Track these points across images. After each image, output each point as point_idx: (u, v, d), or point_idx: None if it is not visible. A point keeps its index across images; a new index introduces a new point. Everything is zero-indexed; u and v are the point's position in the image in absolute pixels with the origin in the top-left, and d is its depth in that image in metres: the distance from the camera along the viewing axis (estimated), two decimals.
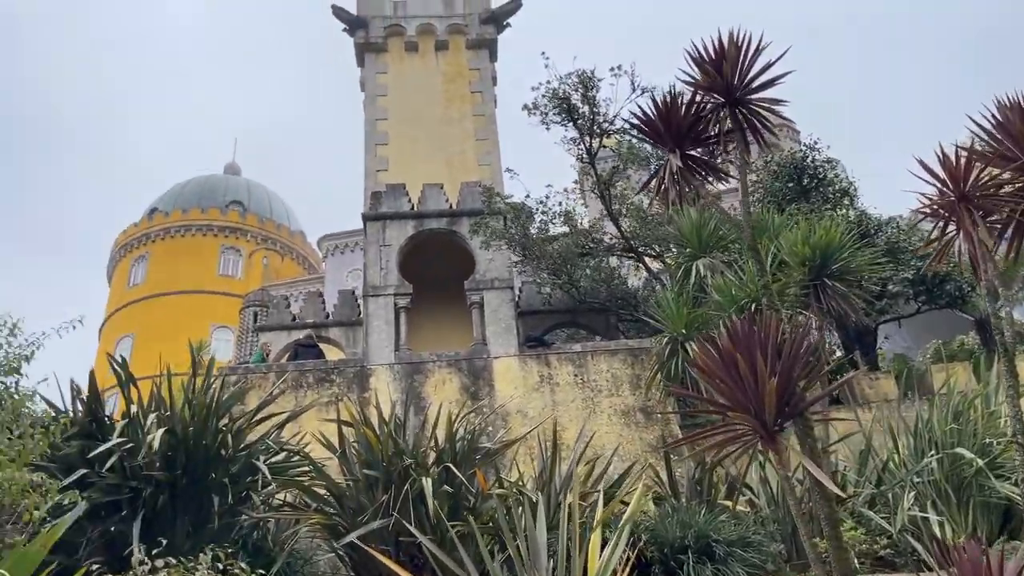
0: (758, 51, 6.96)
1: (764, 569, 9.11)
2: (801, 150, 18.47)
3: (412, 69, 23.63)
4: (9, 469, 6.20)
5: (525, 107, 16.29)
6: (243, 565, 7.23)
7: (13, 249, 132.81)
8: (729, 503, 10.54)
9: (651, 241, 16.74)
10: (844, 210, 17.25)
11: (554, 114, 16.10)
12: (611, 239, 17.39)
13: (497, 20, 24.06)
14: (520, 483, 10.28)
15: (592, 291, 17.61)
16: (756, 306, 10.82)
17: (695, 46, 7.14)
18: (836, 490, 5.12)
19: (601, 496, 7.47)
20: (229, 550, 9.56)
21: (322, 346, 18.77)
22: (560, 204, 17.10)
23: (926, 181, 6.29)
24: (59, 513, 8.48)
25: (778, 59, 7.05)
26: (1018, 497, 9.19)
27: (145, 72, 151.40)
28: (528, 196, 16.64)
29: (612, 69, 15.66)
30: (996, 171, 5.93)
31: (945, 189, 6.10)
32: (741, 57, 7.05)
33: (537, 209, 16.56)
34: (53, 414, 9.91)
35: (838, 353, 18.02)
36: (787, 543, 9.91)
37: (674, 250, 15.97)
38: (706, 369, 5.91)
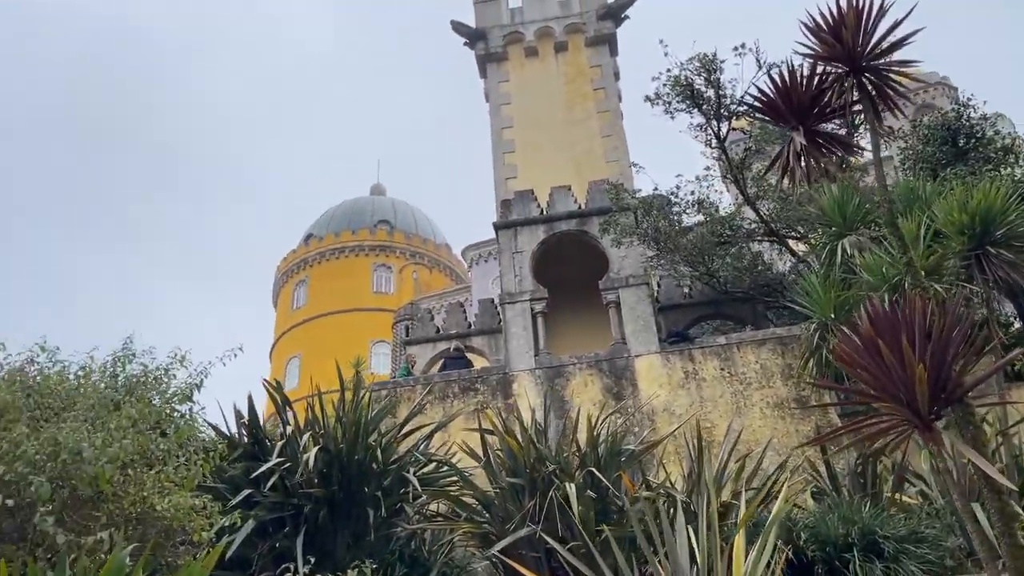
0: (881, 12, 6.46)
1: (942, 565, 8.42)
2: (953, 109, 17.02)
3: (533, 74, 23.76)
4: (177, 495, 6.64)
5: (647, 98, 15.95)
6: None
7: (185, 275, 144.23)
8: (896, 496, 9.85)
9: (793, 223, 15.93)
10: (1009, 169, 15.76)
11: (678, 102, 15.67)
12: (750, 224, 16.70)
13: (614, 14, 23.78)
14: (668, 484, 10.03)
15: (735, 280, 16.98)
16: (911, 284, 10.04)
17: (810, 15, 6.72)
18: (1004, 481, 4.63)
19: (744, 495, 7.10)
20: (387, 562, 9.95)
21: (469, 356, 19.14)
22: (692, 193, 16.61)
23: None
24: (233, 532, 9.09)
25: (905, 18, 6.52)
26: None
27: (283, 103, 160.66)
28: (656, 189, 16.29)
29: (736, 48, 15.08)
30: None
31: None
32: (862, 21, 6.56)
33: (669, 201, 16.15)
34: (218, 439, 10.62)
35: (1016, 325, 16.46)
36: (967, 537, 9.11)
37: (819, 230, 15.14)
38: (847, 358, 5.52)
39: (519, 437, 9.72)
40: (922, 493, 9.95)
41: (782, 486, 9.39)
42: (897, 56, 6.83)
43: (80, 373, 10.45)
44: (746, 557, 5.19)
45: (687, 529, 6.29)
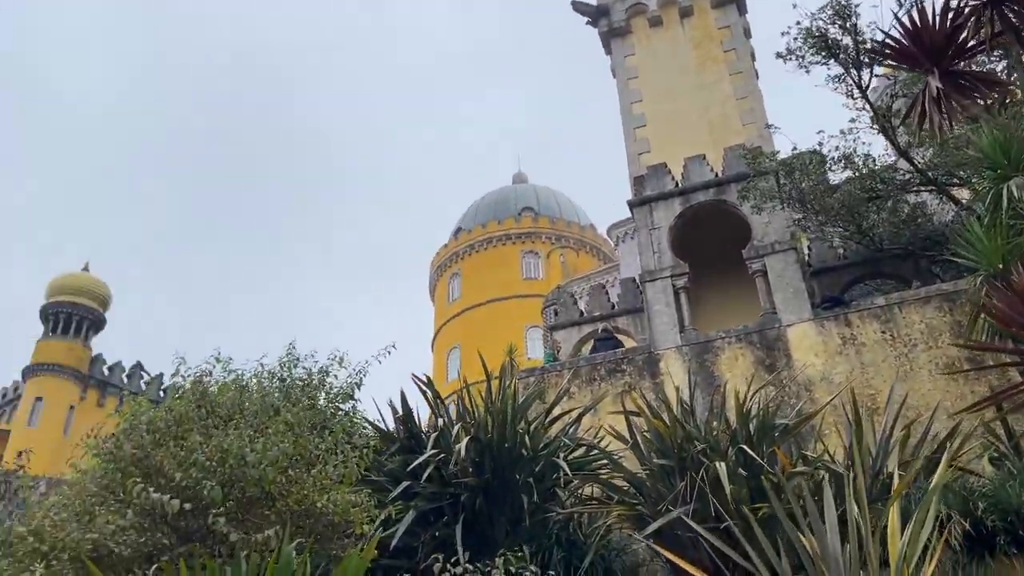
0: None
1: None
2: None
3: (660, 44, 23.18)
4: (336, 492, 7.05)
5: (778, 55, 15.17)
6: (533, 568, 7.54)
7: (340, 277, 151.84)
8: None
9: (954, 168, 14.70)
10: None
11: (811, 54, 14.81)
12: (903, 175, 15.57)
13: None
14: (827, 457, 9.61)
15: (892, 236, 15.92)
16: None
17: None
18: None
19: (914, 465, 6.67)
20: (544, 546, 10.12)
21: (617, 337, 19.06)
22: (837, 149, 15.67)
23: None
24: (396, 523, 9.55)
25: None
26: None
27: (417, 102, 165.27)
28: (795, 149, 15.47)
29: None
30: None
31: None
32: None
33: (821, 158, 15.29)
34: (375, 434, 11.17)
35: None
36: None
37: (982, 174, 13.91)
38: (1002, 316, 5.10)
39: (665, 417, 9.60)
40: None
41: (953, 454, 8.78)
42: None
43: (252, 381, 11.30)
44: (902, 532, 4.88)
45: (847, 504, 6.00)
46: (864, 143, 15.91)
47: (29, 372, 42.53)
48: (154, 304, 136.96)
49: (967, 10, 6.33)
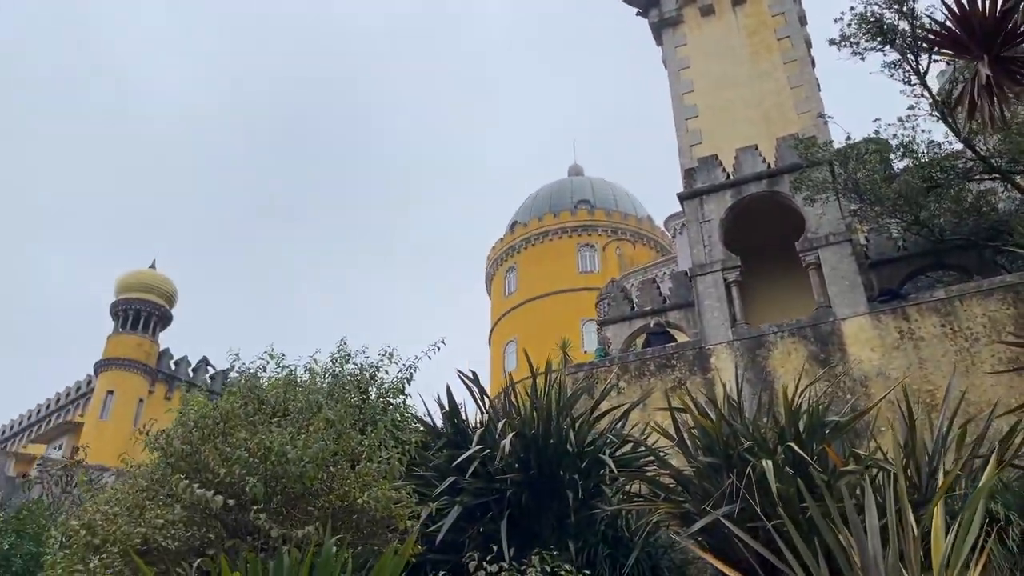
0: None
1: None
2: None
3: (711, 33, 22.81)
4: (378, 488, 7.15)
5: (831, 41, 14.77)
6: (567, 567, 7.53)
7: (405, 268, 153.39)
8: None
9: (1017, 155, 14.14)
10: None
11: (867, 40, 14.37)
12: (965, 163, 15.03)
13: None
14: (880, 454, 9.38)
15: (954, 226, 15.39)
16: None
17: None
18: None
19: (970, 463, 6.45)
20: (589, 543, 10.10)
21: (670, 331, 18.88)
22: (895, 137, 15.20)
23: None
24: (442, 518, 9.65)
25: None
26: None
27: (470, 98, 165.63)
28: (849, 137, 15.04)
29: None
30: None
31: None
32: None
33: (866, 149, 14.88)
34: (422, 429, 11.29)
35: None
36: None
37: None
38: None
39: (712, 414, 9.48)
40: None
41: (1010, 451, 8.49)
42: None
43: (304, 376, 11.52)
44: (947, 534, 4.72)
45: (886, 504, 5.85)
46: (924, 131, 15.42)
47: (101, 366, 44.18)
48: (220, 299, 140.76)
49: None
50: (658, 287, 19.51)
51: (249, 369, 11.03)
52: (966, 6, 6.19)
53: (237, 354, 11.45)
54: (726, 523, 6.86)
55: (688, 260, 36.67)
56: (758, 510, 8.03)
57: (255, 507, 5.98)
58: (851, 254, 14.84)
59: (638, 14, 24.62)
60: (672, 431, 9.76)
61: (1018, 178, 14.72)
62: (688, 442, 9.76)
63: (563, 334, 32.48)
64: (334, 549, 5.83)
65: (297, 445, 6.35)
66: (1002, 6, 6.05)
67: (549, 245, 52.21)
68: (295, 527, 6.26)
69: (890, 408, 10.96)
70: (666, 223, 44.03)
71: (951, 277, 17.06)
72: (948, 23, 6.34)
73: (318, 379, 10.96)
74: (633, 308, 18.95)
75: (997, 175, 14.51)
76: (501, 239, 55.70)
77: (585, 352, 37.82)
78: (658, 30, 23.68)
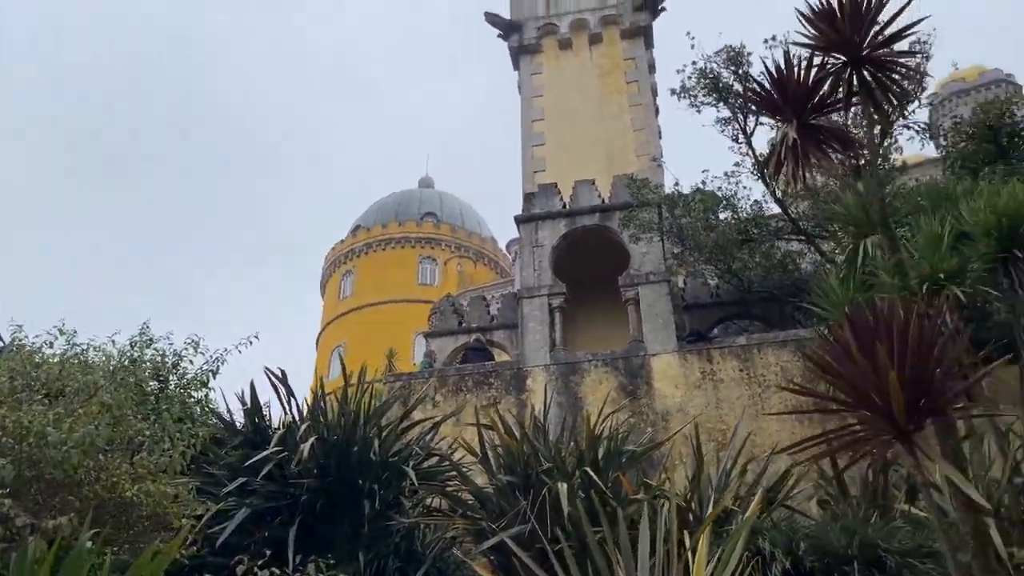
0: (878, 1, 6.12)
1: None
2: (993, 105, 16.33)
3: (567, 67, 23.46)
4: (155, 483, 6.62)
5: (673, 91, 15.62)
6: None
7: (241, 259, 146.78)
8: (909, 507, 9.45)
9: (823, 221, 15.45)
10: None
11: (704, 95, 15.30)
12: (778, 222, 16.25)
13: (650, 6, 23.35)
14: (666, 486, 9.80)
15: (763, 280, 16.55)
16: (930, 287, 9.61)
17: (809, 2, 6.41)
18: (980, 500, 4.34)
19: (703, 501, 6.83)
20: (381, 555, 9.87)
21: (493, 350, 19.03)
22: (719, 189, 16.20)
23: None
24: (227, 519, 9.11)
25: (907, 5, 6.18)
26: None
27: (337, 95, 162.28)
28: (677, 184, 15.92)
29: (766, 41, 14.67)
30: None
31: None
32: (863, 8, 6.23)
33: (694, 197, 15.77)
34: (220, 424, 10.68)
35: None
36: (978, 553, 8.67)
37: (852, 229, 14.64)
38: (821, 363, 5.27)
39: (517, 434, 9.56)
40: (939, 506, 9.52)
41: (777, 493, 9.12)
42: (910, 48, 6.47)
43: (98, 358, 10.56)
44: (707, 565, 4.97)
45: (657, 534, 6.09)
46: (746, 187, 16.54)
47: None
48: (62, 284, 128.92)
49: (829, 67, 6.56)
50: (488, 305, 19.67)
51: (33, 344, 10.03)
52: (784, 72, 6.61)
53: (20, 326, 10.38)
54: (509, 543, 6.88)
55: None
56: (548, 532, 8.14)
57: (1, 491, 5.35)
58: (668, 294, 15.59)
59: (499, 36, 24.96)
60: (472, 448, 9.77)
61: (822, 242, 16.06)
62: (492, 460, 9.78)
63: (394, 344, 32.06)
64: (89, 544, 5.32)
65: (62, 427, 5.76)
66: (815, 76, 6.52)
67: (391, 253, 51.57)
68: (53, 517, 5.66)
69: (684, 443, 11.51)
70: (508, 246, 44.74)
71: (755, 327, 18.32)
72: (767, 86, 6.76)
73: (112, 361, 10.11)
74: (461, 323, 18.97)
75: (804, 237, 15.77)
76: (342, 241, 54.45)
77: (414, 364, 37.54)
78: (517, 55, 24.08)
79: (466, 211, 58.57)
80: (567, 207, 17.13)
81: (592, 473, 8.78)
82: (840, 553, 8.27)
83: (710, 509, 7.52)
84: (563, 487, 8.39)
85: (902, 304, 5.30)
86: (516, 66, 24.34)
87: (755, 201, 16.38)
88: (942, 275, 9.60)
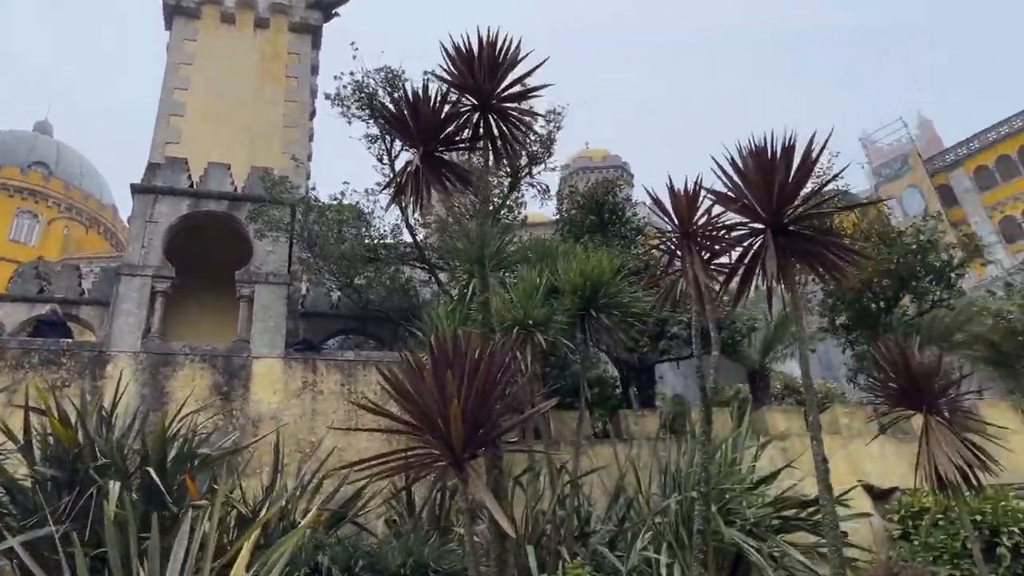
0: (512, 56, 6.55)
1: None
2: (603, 184, 18.72)
3: (226, 42, 22.01)
4: None
5: (327, 96, 15.42)
6: None
7: None
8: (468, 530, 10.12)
9: (444, 254, 16.26)
10: (638, 249, 17.53)
11: (357, 108, 15.32)
12: (407, 248, 16.74)
13: (324, 7, 22.97)
14: (238, 495, 9.38)
15: (384, 300, 16.85)
16: (519, 330, 10.52)
17: (453, 42, 6.64)
18: (508, 529, 4.68)
19: (253, 516, 6.66)
20: None
21: (74, 327, 16.82)
22: (358, 203, 16.25)
23: (659, 215, 6.09)
24: None
25: (537, 67, 6.69)
26: (747, 544, 9.31)
27: None
28: (314, 189, 15.68)
29: (425, 73, 15.13)
30: (722, 210, 5.80)
31: (673, 225, 5.91)
32: (498, 60, 6.61)
33: (330, 206, 15.60)
34: None
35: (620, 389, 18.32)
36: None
37: (467, 266, 15.56)
38: (395, 383, 5.35)
39: (74, 422, 8.43)
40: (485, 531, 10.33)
41: (357, 509, 9.19)
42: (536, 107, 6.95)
43: None
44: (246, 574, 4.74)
45: (191, 540, 5.72)
46: (383, 208, 16.79)
47: None
48: None
49: (461, 106, 6.84)
50: (81, 277, 17.40)
51: None
52: (420, 101, 6.76)
53: None
54: (17, 545, 5.96)
55: None
56: (86, 535, 7.26)
57: None
58: (286, 297, 15.14)
59: None
60: (13, 433, 8.44)
61: (443, 274, 16.86)
62: (37, 449, 8.51)
63: None
64: None
65: None
66: (447, 111, 6.76)
67: None
68: None
69: (268, 451, 11.13)
70: (130, 220, 40.49)
71: (369, 344, 18.59)
72: (404, 111, 6.86)
73: None
74: (43, 290, 16.51)
75: (426, 266, 16.42)
76: None
77: None
78: (170, 15, 22.04)
79: (88, 171, 52.25)
80: (195, 187, 15.88)
81: (155, 474, 8.03)
82: (395, 571, 8.55)
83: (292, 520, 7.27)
84: (115, 487, 7.55)
85: (480, 341, 5.60)
86: (168, 26, 22.24)
87: (395, 225, 16.71)
88: (531, 321, 10.57)
